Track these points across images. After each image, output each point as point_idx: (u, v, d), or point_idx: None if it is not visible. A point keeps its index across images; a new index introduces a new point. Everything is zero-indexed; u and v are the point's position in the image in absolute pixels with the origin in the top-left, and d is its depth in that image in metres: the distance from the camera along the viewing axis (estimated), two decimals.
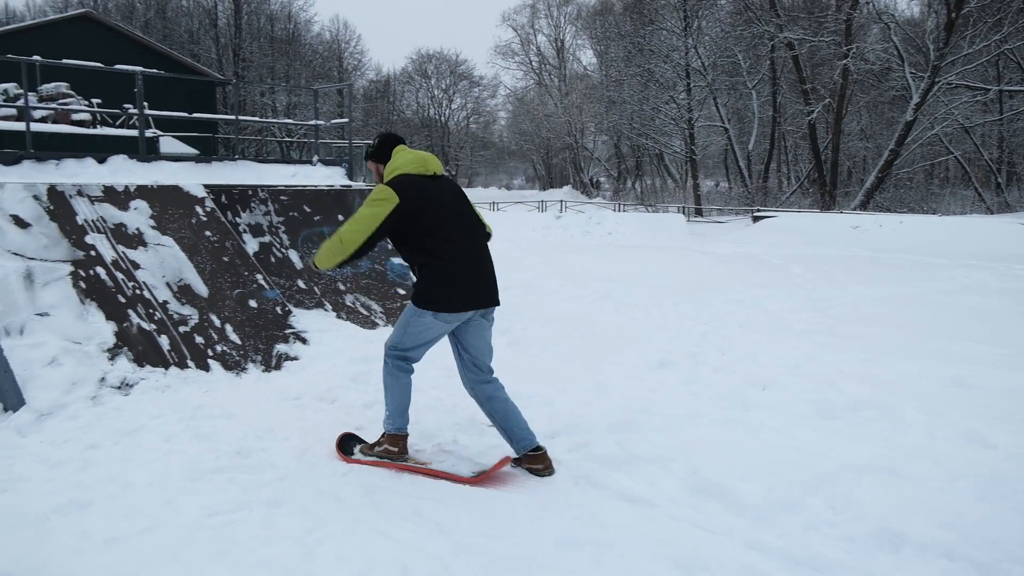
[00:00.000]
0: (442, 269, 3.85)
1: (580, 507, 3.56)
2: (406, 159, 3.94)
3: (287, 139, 41.97)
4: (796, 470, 3.90)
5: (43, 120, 23.68)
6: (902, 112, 29.25)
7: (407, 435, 4.06)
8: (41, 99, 23.77)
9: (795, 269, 12.81)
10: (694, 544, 3.12)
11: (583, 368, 6.15)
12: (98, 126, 24.77)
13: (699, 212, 31.90)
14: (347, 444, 4.19)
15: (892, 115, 33.08)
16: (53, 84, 24.67)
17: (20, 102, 10.38)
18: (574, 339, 7.22)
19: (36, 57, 7.17)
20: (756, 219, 23.14)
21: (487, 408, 4.11)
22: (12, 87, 23.72)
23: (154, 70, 9.49)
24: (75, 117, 24.44)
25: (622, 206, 32.78)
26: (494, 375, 4.17)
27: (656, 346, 6.98)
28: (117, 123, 25.95)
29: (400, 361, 4.05)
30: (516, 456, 4.01)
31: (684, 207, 31.21)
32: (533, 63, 60.89)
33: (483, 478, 3.82)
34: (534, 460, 3.96)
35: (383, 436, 4.05)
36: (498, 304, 4.14)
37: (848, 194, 32.08)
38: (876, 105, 34.59)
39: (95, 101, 24.96)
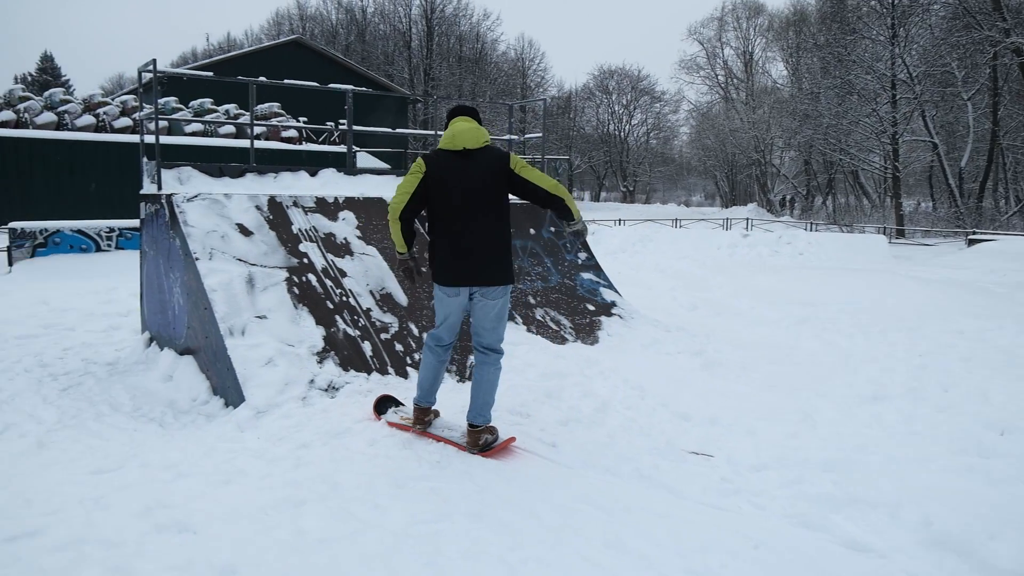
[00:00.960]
0: (440, 243, 4.21)
1: (796, 551, 3.25)
2: (445, 134, 4.23)
3: None
4: None
5: (258, 137, 25.87)
6: None
7: (429, 407, 4.46)
8: (256, 118, 26.01)
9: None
10: None
11: (786, 397, 5.74)
12: (303, 142, 26.83)
13: (901, 233, 29.52)
14: (383, 404, 4.74)
15: None
16: (267, 104, 27.01)
17: (235, 121, 11.30)
18: (773, 365, 6.79)
19: (262, 78, 7.74)
20: (971, 242, 21.06)
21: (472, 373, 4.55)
22: (233, 108, 26.13)
23: (362, 88, 10.00)
24: (284, 134, 26.55)
25: (813, 225, 30.97)
26: (493, 353, 4.34)
27: (866, 377, 6.41)
28: (320, 139, 27.98)
29: (431, 341, 4.40)
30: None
31: (884, 227, 29.00)
32: (719, 77, 59.33)
33: (490, 453, 4.17)
34: (468, 435, 4.29)
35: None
36: (494, 284, 4.21)
37: None
38: None
39: (302, 119, 27.06)
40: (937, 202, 37.19)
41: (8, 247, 12.35)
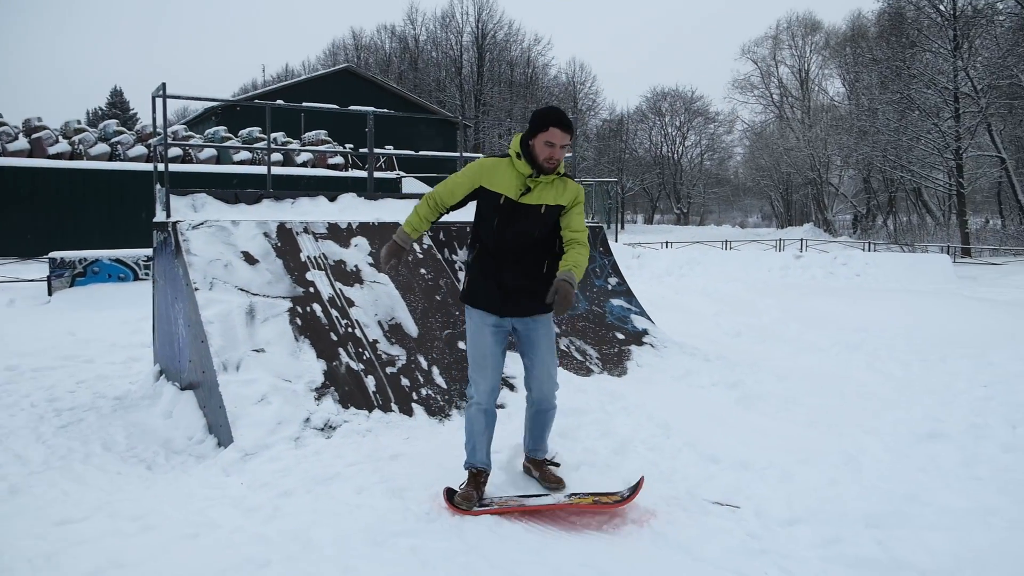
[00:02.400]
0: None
1: None
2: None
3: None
4: None
5: (304, 164, 26.14)
6: None
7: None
8: (304, 145, 26.28)
9: None
10: None
11: (829, 435, 5.18)
12: (350, 169, 26.99)
13: (967, 252, 28.16)
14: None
15: None
16: (314, 132, 27.29)
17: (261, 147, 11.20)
18: (818, 398, 6.21)
19: (279, 101, 7.56)
20: None
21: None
22: (281, 135, 26.46)
23: (384, 110, 9.80)
24: (331, 160, 26.75)
25: (872, 245, 29.80)
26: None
27: (923, 412, 5.80)
28: (366, 165, 28.14)
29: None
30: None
31: (948, 247, 27.70)
32: (774, 96, 58.23)
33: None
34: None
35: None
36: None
37: None
38: None
39: (348, 146, 27.24)
40: (1006, 219, 35.57)
41: (48, 276, 12.47)
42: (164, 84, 6.51)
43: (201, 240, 5.77)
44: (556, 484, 4.01)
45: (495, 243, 3.84)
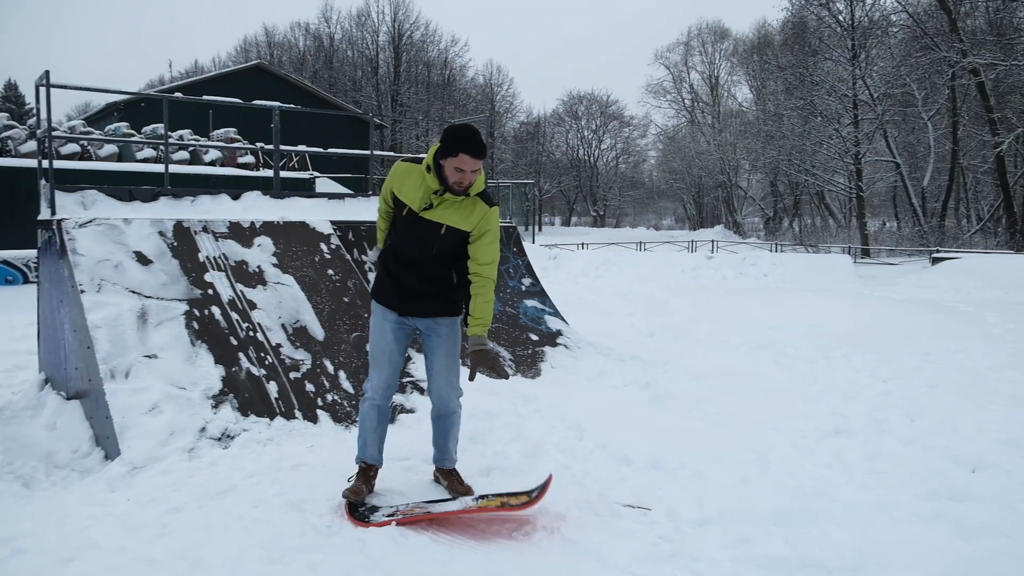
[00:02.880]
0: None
1: None
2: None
3: None
4: None
5: (213, 163, 25.19)
6: None
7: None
8: (213, 143, 25.28)
9: (990, 318, 11.12)
10: None
11: (739, 433, 5.22)
12: (261, 168, 26.17)
13: (866, 253, 29.45)
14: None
15: None
16: (223, 130, 26.35)
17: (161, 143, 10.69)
18: (728, 396, 6.28)
19: (178, 95, 7.18)
20: (935, 261, 20.90)
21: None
22: (187, 133, 25.45)
23: (291, 105, 9.48)
24: (240, 160, 25.86)
25: (779, 246, 30.82)
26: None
27: (828, 408, 5.94)
28: (280, 164, 27.33)
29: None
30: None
31: (849, 247, 28.89)
32: (685, 101, 59.71)
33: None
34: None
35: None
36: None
37: None
38: None
39: (259, 145, 26.45)
40: (901, 221, 37.38)
41: None
42: (48, 72, 6.08)
43: (89, 239, 5.39)
44: (465, 492, 3.88)
45: (398, 247, 3.76)
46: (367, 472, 3.84)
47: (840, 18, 32.98)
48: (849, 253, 25.38)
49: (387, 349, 3.78)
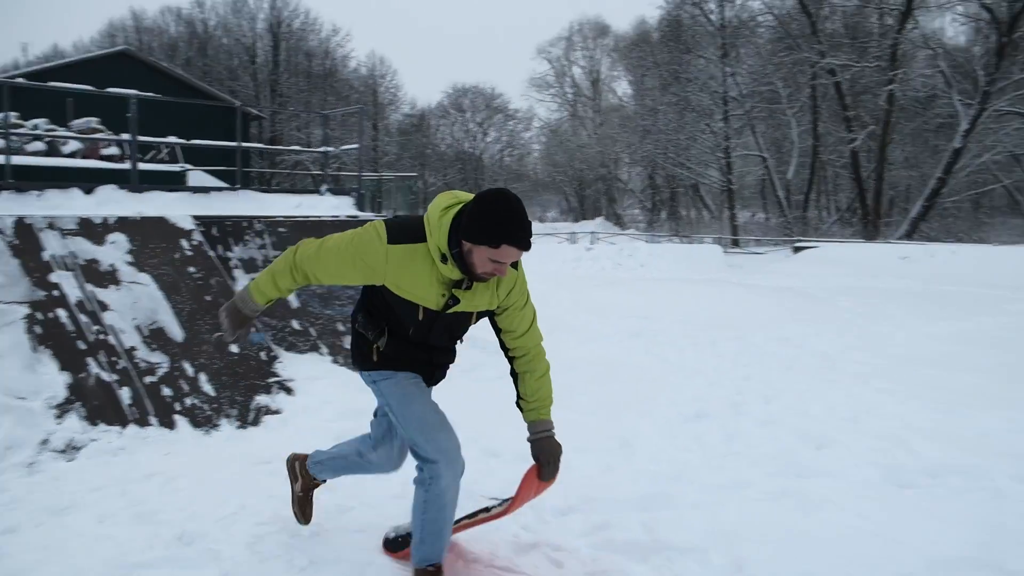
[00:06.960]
0: None
1: None
2: None
3: (319, 172, 41.97)
4: (871, 568, 3.09)
5: (73, 155, 23.66)
6: (948, 140, 28.07)
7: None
8: (73, 133, 23.70)
9: (843, 303, 11.89)
10: None
11: (606, 421, 5.37)
12: (126, 160, 24.77)
13: (736, 243, 30.89)
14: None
15: (937, 143, 31.82)
16: (84, 120, 24.76)
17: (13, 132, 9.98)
18: (599, 385, 6.44)
19: (19, 80, 6.70)
20: (796, 250, 22.14)
21: None
22: (43, 122, 23.79)
23: (150, 94, 9.02)
24: (104, 152, 24.41)
25: (656, 238, 31.89)
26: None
27: (691, 393, 6.18)
28: (147, 157, 25.96)
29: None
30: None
31: (720, 238, 30.23)
32: (568, 95, 60.66)
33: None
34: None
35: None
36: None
37: (891, 224, 30.79)
38: (920, 133, 33.36)
39: (125, 136, 25.02)
40: (769, 213, 39.40)
41: None
42: None
43: None
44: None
45: (416, 341, 2.91)
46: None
47: (711, 17, 34.39)
48: (720, 243, 26.53)
49: (435, 409, 2.97)
